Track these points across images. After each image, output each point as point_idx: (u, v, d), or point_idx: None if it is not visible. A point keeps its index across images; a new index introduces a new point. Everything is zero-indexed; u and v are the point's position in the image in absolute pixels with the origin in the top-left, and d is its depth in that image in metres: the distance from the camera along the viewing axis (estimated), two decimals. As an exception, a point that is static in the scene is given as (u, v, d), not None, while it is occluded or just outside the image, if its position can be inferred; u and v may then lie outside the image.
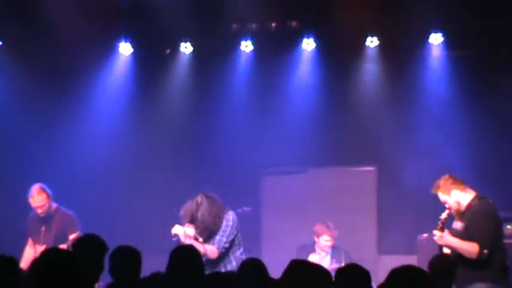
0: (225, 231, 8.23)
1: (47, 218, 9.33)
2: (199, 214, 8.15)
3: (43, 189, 9.28)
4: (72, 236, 9.00)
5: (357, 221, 11.34)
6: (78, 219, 9.36)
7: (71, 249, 8.48)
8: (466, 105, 11.01)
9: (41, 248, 9.06)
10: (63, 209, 9.43)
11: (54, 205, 9.38)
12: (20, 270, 5.13)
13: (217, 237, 8.19)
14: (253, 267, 6.00)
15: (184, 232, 8.12)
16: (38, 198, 9.25)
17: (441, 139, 10.99)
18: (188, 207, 8.29)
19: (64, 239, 9.02)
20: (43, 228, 9.30)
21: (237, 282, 4.73)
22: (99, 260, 5.42)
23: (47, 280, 3.89)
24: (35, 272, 3.95)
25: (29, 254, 9.33)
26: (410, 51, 11.23)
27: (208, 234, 8.21)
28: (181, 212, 8.32)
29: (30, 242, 9.54)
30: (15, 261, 5.11)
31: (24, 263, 8.73)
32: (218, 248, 8.13)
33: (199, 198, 8.21)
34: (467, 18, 10.61)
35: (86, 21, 10.75)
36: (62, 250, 4.40)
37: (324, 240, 10.22)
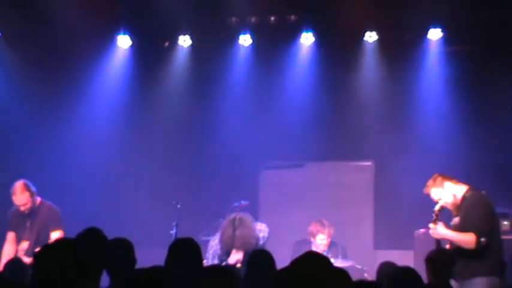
0: None
1: (31, 213, 9.08)
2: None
3: (26, 188, 9.01)
4: (54, 233, 8.90)
5: (353, 215, 11.36)
6: (63, 215, 9.13)
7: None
8: (465, 102, 11.02)
9: (25, 244, 8.92)
10: (47, 203, 9.16)
11: (38, 199, 9.12)
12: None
13: None
14: (262, 259, 6.08)
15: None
16: (21, 196, 9.00)
17: (439, 135, 11.02)
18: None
19: (46, 235, 8.86)
20: (28, 224, 9.06)
21: (236, 274, 4.75)
22: (102, 254, 5.44)
23: (53, 271, 3.96)
24: (41, 263, 4.03)
25: (9, 251, 9.03)
26: (409, 47, 11.24)
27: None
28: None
29: (10, 237, 9.21)
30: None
31: (4, 261, 8.35)
32: None
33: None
34: (466, 13, 10.61)
35: (84, 14, 10.72)
36: (68, 241, 4.48)
37: (320, 239, 10.04)
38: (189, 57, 11.82)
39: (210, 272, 4.65)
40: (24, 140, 11.49)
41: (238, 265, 8.00)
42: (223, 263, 8.07)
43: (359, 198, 11.57)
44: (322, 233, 10.05)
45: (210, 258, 8.27)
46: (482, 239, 7.48)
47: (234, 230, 8.06)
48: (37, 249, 8.30)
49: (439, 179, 7.86)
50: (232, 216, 8.24)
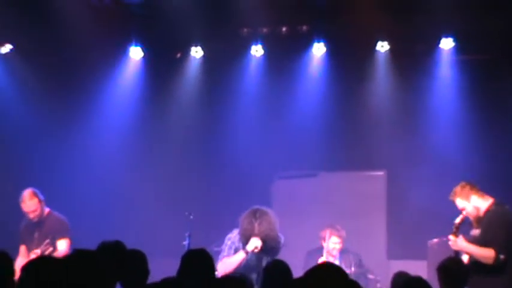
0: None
1: (39, 223, 9.23)
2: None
3: (35, 194, 9.19)
4: (61, 242, 9.00)
5: (366, 225, 11.31)
6: (70, 225, 9.26)
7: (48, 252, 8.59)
8: (477, 111, 10.99)
9: (35, 255, 8.97)
10: (55, 213, 9.33)
11: (47, 209, 9.29)
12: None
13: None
14: (279, 269, 6.09)
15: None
16: (29, 203, 9.16)
17: (451, 144, 10.98)
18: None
19: (52, 244, 8.97)
20: (36, 235, 9.20)
21: (248, 284, 4.75)
22: (120, 266, 5.44)
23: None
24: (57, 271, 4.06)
25: (21, 264, 9.01)
26: (421, 56, 11.22)
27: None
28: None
29: (22, 250, 9.35)
30: None
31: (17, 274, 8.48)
32: None
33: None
34: (478, 23, 10.58)
35: (97, 26, 10.77)
36: (88, 252, 4.48)
37: (333, 243, 10.01)
38: (201, 68, 11.84)
39: (222, 283, 4.65)
40: (36, 150, 11.53)
41: (256, 250, 7.98)
42: (240, 250, 8.06)
43: (371, 208, 11.52)
44: (336, 235, 10.03)
45: (226, 250, 8.23)
46: (502, 256, 7.45)
47: (255, 220, 8.07)
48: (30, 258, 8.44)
49: (467, 189, 7.80)
50: (253, 208, 8.22)
